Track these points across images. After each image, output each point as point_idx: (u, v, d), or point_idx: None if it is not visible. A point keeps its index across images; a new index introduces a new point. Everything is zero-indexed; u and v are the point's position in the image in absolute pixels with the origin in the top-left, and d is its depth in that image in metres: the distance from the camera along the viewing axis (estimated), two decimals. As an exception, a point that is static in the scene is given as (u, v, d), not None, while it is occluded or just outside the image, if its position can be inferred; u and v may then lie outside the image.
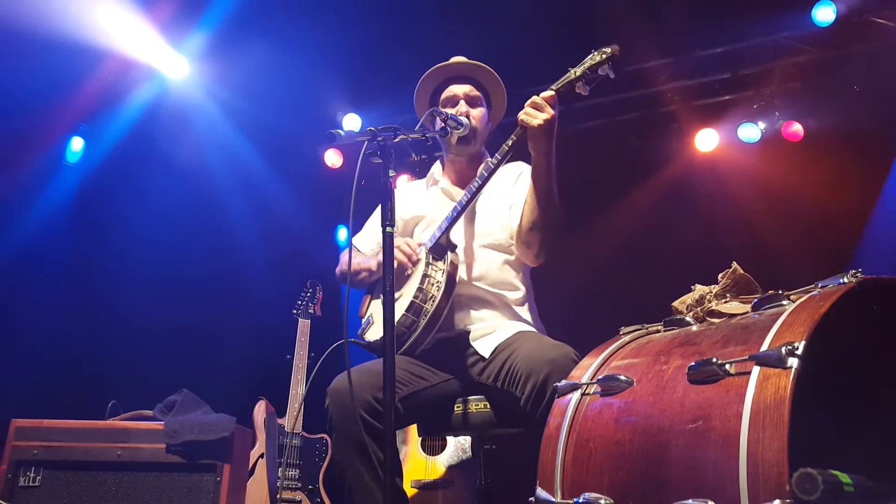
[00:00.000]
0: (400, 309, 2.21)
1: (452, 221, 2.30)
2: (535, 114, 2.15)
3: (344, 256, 2.65)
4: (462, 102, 2.47)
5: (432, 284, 2.21)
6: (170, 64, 4.32)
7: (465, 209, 2.31)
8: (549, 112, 2.15)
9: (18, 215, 4.04)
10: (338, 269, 2.68)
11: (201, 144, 4.60)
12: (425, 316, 2.19)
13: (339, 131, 1.88)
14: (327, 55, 4.33)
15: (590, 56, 2.20)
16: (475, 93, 2.51)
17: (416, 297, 2.19)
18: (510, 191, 2.47)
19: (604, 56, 2.17)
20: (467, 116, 2.42)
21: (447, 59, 2.56)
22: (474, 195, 2.30)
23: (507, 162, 2.32)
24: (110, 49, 3.97)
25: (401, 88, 4.54)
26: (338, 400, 2.06)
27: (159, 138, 4.49)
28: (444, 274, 2.21)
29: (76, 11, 3.69)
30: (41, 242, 4.07)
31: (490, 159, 2.31)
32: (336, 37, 4.19)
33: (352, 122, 5.00)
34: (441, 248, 2.28)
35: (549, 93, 2.18)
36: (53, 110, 4.11)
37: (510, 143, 2.25)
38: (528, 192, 2.28)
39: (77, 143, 4.48)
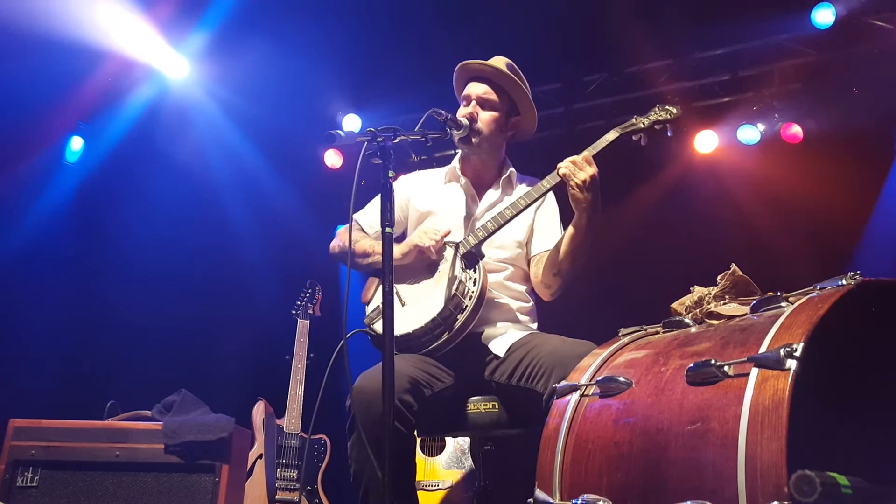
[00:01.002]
0: (426, 311, 2.16)
1: (490, 234, 2.26)
2: (574, 170, 2.17)
3: (345, 234, 2.47)
4: (473, 103, 2.41)
5: (465, 295, 2.16)
6: (170, 64, 4.32)
7: (502, 227, 2.28)
8: (587, 171, 2.17)
9: (18, 215, 4.04)
10: (337, 245, 2.51)
11: (201, 144, 4.60)
12: (453, 325, 2.15)
13: (339, 132, 1.87)
14: (327, 55, 4.33)
15: (653, 110, 2.34)
16: (491, 96, 2.42)
17: (448, 302, 2.14)
18: (530, 210, 2.40)
19: (670, 115, 2.30)
20: (471, 118, 2.37)
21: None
22: (515, 216, 2.27)
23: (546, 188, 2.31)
24: (110, 49, 3.98)
25: (401, 89, 4.57)
26: (362, 400, 1.96)
27: (159, 138, 4.49)
28: (477, 285, 2.17)
29: (76, 11, 3.68)
30: (41, 242, 4.07)
31: (532, 189, 2.30)
32: (336, 37, 4.19)
33: (352, 123, 5.00)
34: (472, 256, 2.25)
35: (586, 153, 2.22)
36: (53, 110, 4.11)
37: (547, 186, 2.27)
38: (563, 237, 2.27)
39: (77, 143, 4.48)
